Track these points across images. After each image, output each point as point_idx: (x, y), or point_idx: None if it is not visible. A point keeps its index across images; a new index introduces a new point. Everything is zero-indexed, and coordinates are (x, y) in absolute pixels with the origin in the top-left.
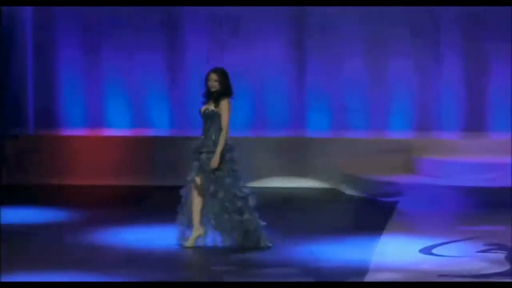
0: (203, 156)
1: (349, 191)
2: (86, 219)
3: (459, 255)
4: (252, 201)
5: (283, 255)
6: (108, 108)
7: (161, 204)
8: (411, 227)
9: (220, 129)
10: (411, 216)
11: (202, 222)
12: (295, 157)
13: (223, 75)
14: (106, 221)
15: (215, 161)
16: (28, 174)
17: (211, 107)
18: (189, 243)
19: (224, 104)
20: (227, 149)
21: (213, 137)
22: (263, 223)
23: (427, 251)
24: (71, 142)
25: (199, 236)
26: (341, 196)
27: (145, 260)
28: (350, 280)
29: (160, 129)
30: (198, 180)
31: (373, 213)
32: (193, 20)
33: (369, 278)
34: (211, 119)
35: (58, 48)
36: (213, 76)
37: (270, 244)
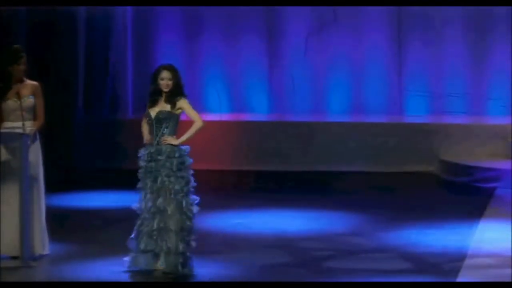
0: (162, 162)
1: (447, 177)
2: None
3: None
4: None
5: (382, 240)
6: (208, 93)
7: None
8: (509, 213)
9: (175, 132)
10: (510, 202)
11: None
12: (392, 142)
13: (177, 73)
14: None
15: (173, 140)
16: (124, 158)
17: (166, 108)
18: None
19: (186, 102)
20: (187, 154)
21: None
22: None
23: None
24: None
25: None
26: (439, 182)
27: (246, 245)
28: (447, 266)
29: (258, 114)
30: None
31: (471, 199)
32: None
33: (467, 264)
34: (167, 122)
35: (158, 33)
36: (167, 74)
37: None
